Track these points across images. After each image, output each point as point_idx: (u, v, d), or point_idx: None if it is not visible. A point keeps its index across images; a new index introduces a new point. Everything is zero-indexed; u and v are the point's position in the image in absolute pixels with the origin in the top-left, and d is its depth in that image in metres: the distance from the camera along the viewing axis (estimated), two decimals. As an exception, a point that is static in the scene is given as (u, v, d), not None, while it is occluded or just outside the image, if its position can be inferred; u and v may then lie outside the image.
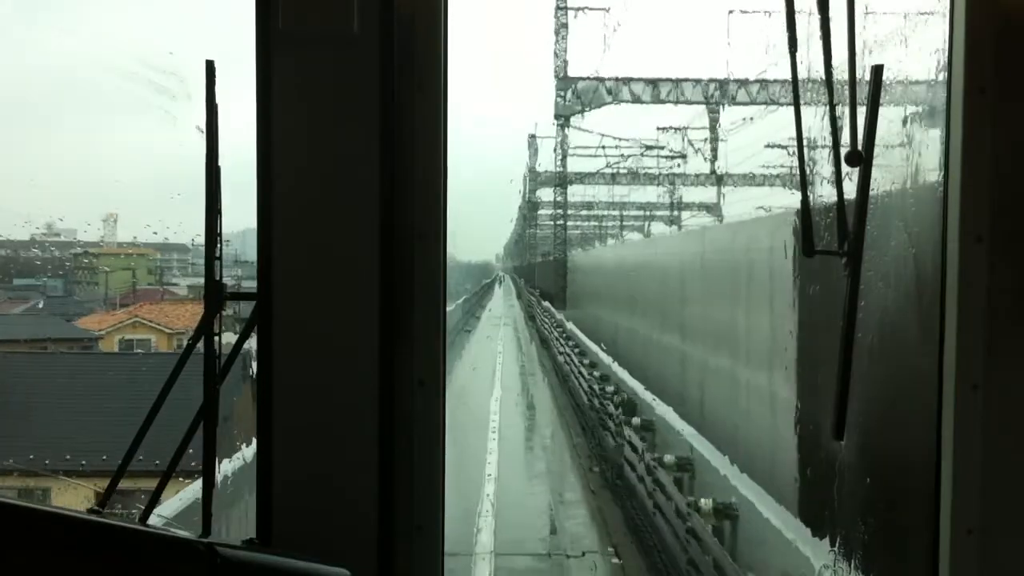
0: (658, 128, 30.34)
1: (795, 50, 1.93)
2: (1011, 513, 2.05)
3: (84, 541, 1.44)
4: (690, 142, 28.84)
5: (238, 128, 2.06)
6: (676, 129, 29.76)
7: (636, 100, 24.69)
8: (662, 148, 31.22)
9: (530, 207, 43.86)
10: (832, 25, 1.93)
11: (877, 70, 1.90)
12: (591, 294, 27.76)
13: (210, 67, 1.99)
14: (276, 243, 2.02)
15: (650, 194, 36.25)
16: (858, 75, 1.92)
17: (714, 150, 26.66)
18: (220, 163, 2.02)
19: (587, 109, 25.75)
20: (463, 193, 2.28)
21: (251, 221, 2.12)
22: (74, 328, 15.64)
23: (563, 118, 27.84)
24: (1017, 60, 2.00)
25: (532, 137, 38.67)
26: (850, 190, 1.95)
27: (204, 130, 2.01)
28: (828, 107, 1.93)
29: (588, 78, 25.10)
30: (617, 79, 24.67)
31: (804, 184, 1.96)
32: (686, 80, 24.57)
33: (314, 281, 2.03)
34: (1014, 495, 2.05)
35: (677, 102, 25.07)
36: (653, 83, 24.46)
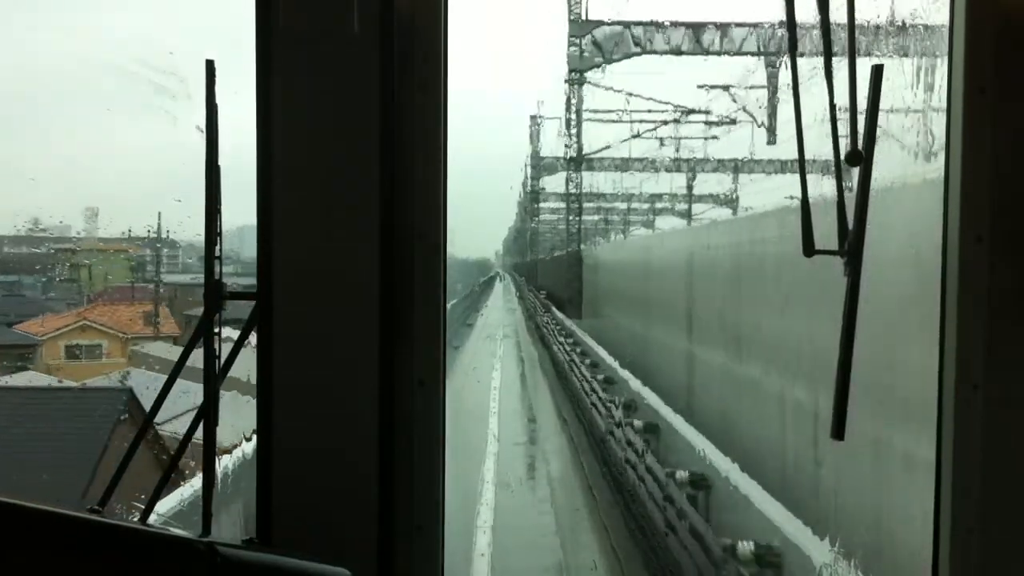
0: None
1: (795, 50, 2.31)
2: (1011, 513, 2.44)
3: (84, 541, 1.67)
4: (744, 108, 26.30)
5: (238, 128, 2.45)
6: (724, 88, 26.86)
7: (673, 51, 22.50)
8: (706, 112, 28.24)
9: (531, 197, 41.40)
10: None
11: (877, 70, 2.27)
12: (625, 301, 22.21)
13: (210, 67, 2.37)
14: (276, 243, 2.37)
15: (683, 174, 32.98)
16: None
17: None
18: (220, 162, 2.40)
19: (609, 61, 23.13)
20: (458, 187, 2.65)
21: (248, 219, 2.51)
22: (12, 333, 15.39)
23: (578, 74, 25.07)
24: (1017, 60, 2.38)
25: (535, 118, 36.94)
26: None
27: (204, 130, 2.40)
28: (828, 107, 2.30)
29: (611, 22, 22.64)
30: (648, 23, 22.45)
31: (804, 184, 2.33)
32: (738, 25, 22.43)
33: (314, 281, 2.39)
34: (1014, 495, 2.44)
35: (725, 53, 22.64)
36: (695, 28, 22.44)
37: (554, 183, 36.39)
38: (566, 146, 30.97)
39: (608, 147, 31.10)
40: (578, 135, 30.21)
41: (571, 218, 34.55)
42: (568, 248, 35.16)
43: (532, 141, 37.23)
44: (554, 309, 34.78)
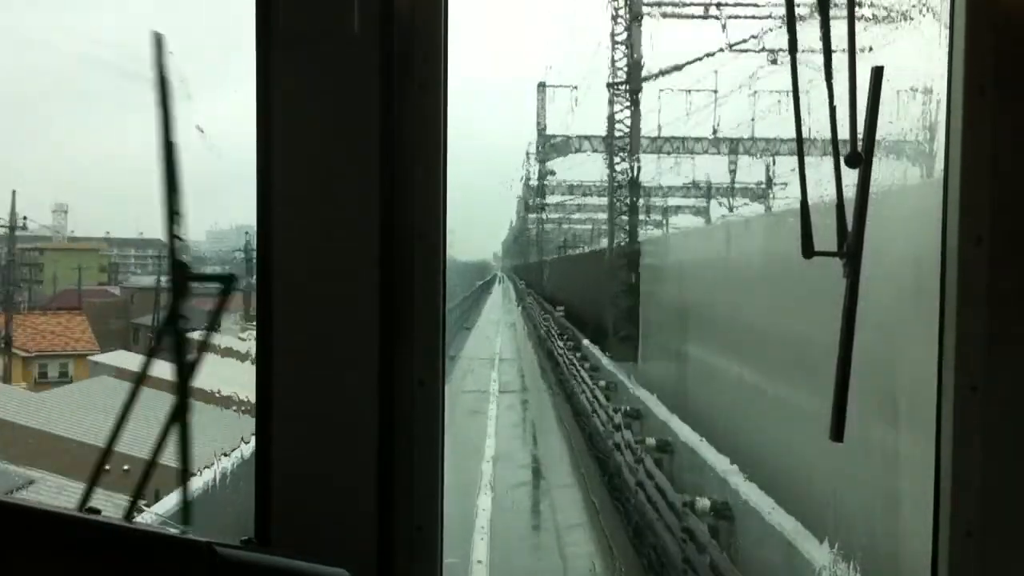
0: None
1: (795, 51, 2.32)
2: (1010, 515, 2.45)
3: (82, 541, 1.70)
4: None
5: (237, 128, 2.46)
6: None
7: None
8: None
9: (538, 184, 33.43)
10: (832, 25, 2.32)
11: (877, 71, 2.28)
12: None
13: (158, 39, 2.29)
14: (276, 242, 2.38)
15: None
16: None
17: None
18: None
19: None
20: (455, 182, 2.60)
21: (247, 219, 2.52)
22: None
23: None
24: (1017, 60, 2.39)
25: (542, 87, 30.06)
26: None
27: (204, 131, 2.41)
28: (828, 107, 2.31)
29: None
30: None
31: (804, 184, 2.35)
32: None
33: (314, 281, 2.40)
34: (1013, 497, 2.45)
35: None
36: None
37: (564, 167, 29.59)
38: (613, 63, 19.72)
39: (688, 63, 19.17)
40: (630, 44, 18.60)
41: (617, 193, 23.06)
42: (616, 240, 22.74)
43: (540, 116, 29.89)
44: (587, 343, 21.22)
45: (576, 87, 27.28)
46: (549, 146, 29.61)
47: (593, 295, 23.50)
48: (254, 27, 2.37)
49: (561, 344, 24.44)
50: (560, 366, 23.27)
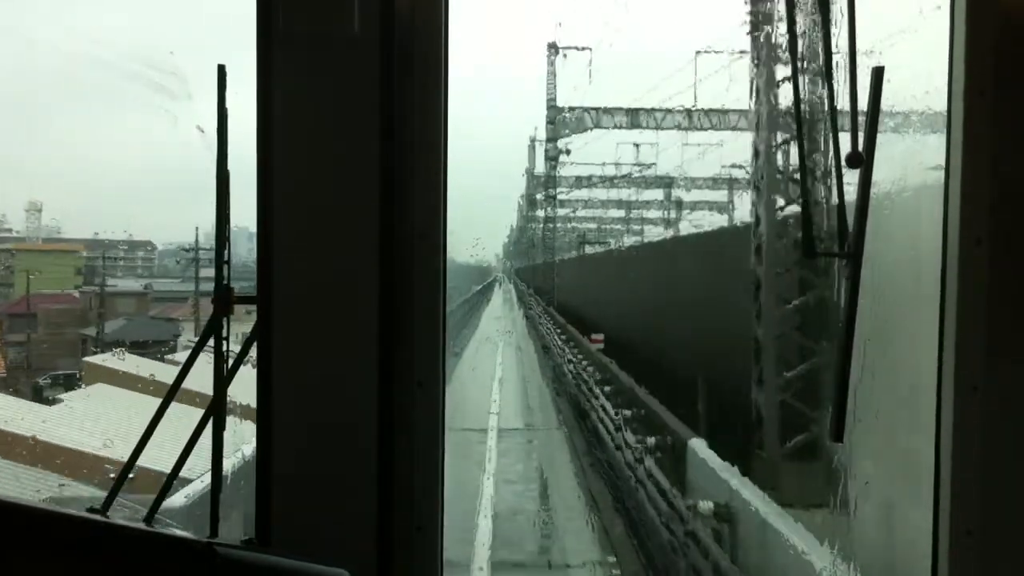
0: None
1: (795, 51, 2.33)
2: (1010, 515, 2.45)
3: (83, 541, 1.72)
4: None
5: (237, 128, 2.46)
6: None
7: None
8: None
9: (549, 170, 28.04)
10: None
11: (878, 72, 2.29)
12: None
13: (221, 71, 2.37)
14: (276, 243, 2.39)
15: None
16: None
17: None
18: (228, 167, 2.39)
19: None
20: (456, 181, 2.45)
21: (246, 220, 2.52)
22: None
23: None
24: (1017, 61, 2.39)
25: (552, 48, 26.62)
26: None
27: (205, 131, 2.41)
28: (828, 107, 2.32)
29: None
30: None
31: (804, 184, 2.36)
32: None
33: (314, 281, 2.40)
34: (1013, 497, 2.45)
35: None
36: None
37: (579, 145, 24.79)
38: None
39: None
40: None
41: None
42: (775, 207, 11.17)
43: (549, 84, 25.51)
44: (700, 451, 10.77)
45: (590, 48, 23.46)
46: (560, 120, 24.72)
47: (679, 325, 13.40)
48: (254, 27, 2.37)
49: (628, 440, 13.03)
50: (631, 496, 12.12)
